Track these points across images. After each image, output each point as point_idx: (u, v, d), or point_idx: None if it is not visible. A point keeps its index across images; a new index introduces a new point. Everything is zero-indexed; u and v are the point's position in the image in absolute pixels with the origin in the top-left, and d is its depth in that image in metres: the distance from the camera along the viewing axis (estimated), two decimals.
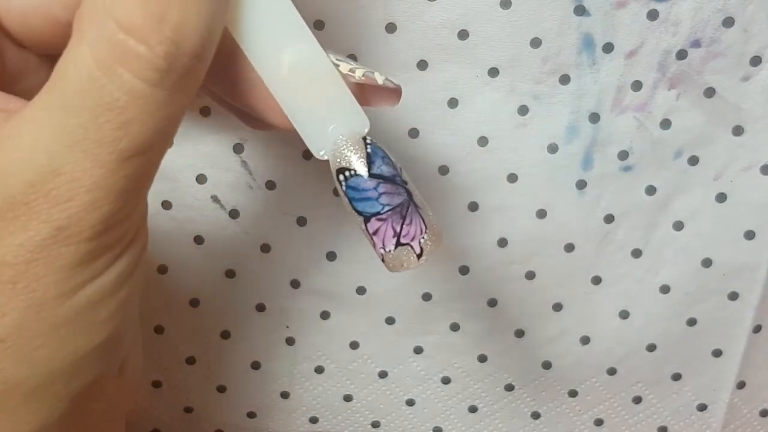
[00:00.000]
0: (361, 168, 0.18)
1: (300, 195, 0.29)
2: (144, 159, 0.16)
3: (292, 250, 0.30)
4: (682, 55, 0.27)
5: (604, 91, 0.27)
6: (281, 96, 0.18)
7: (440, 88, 0.27)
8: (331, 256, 0.30)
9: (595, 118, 0.28)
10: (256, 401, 0.33)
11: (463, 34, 0.26)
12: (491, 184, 0.29)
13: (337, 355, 0.32)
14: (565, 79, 0.27)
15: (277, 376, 0.32)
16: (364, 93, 0.19)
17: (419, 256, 0.18)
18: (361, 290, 0.31)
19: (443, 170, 0.29)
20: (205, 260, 0.30)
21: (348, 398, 0.33)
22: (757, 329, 0.31)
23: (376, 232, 0.18)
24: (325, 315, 0.31)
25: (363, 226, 0.18)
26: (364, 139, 0.18)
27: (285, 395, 0.33)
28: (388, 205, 0.18)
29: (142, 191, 0.17)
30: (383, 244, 0.18)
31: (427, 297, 0.31)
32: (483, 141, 0.28)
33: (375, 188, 0.18)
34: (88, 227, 0.15)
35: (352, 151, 0.18)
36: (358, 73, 0.18)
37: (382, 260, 0.19)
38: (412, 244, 0.18)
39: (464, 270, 0.30)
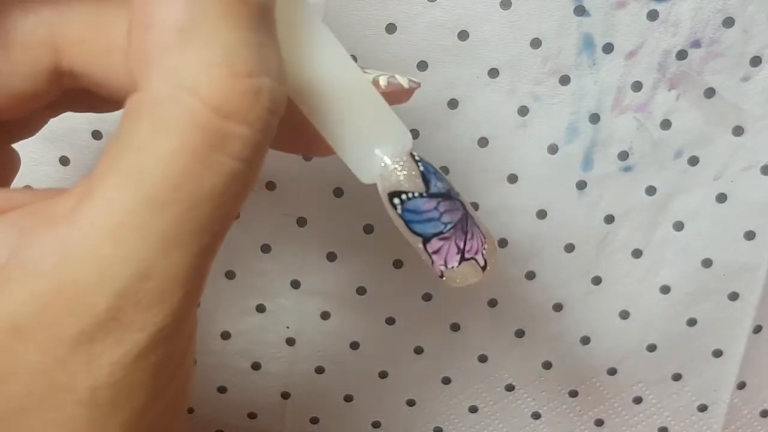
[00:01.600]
0: (420, 188, 0.17)
1: (300, 195, 0.29)
2: (227, 232, 0.14)
3: (292, 251, 0.30)
4: (682, 55, 0.27)
5: (604, 92, 0.27)
6: (321, 122, 0.16)
7: (440, 89, 0.27)
8: (332, 256, 0.30)
9: (595, 118, 0.28)
10: (256, 402, 0.33)
11: (463, 35, 0.26)
12: (491, 184, 0.29)
13: (337, 356, 0.32)
14: (565, 80, 0.27)
15: (277, 376, 0.32)
16: (384, 96, 0.17)
17: (484, 268, 0.18)
18: (361, 290, 0.31)
19: (443, 171, 0.29)
20: None
21: (348, 398, 0.33)
22: (758, 329, 0.31)
23: (437, 251, 0.17)
24: (325, 315, 0.31)
25: (420, 246, 0.17)
26: (412, 155, 0.17)
27: (285, 396, 0.33)
28: (450, 222, 0.17)
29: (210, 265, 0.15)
30: (445, 262, 0.17)
31: (427, 297, 0.31)
32: (483, 142, 0.28)
33: (436, 208, 0.17)
34: (182, 323, 0.14)
35: (405, 172, 0.17)
36: (383, 81, 0.17)
37: (441, 276, 0.18)
38: (476, 257, 0.17)
39: None
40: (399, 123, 0.17)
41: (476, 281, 0.18)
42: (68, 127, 0.28)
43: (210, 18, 0.12)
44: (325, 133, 0.16)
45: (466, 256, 0.17)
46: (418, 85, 0.18)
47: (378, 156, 0.17)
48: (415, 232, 0.17)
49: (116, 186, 0.13)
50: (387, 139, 0.17)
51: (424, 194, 0.17)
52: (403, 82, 0.17)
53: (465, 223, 0.17)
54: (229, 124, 0.12)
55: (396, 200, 0.17)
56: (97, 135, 0.28)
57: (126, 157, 0.13)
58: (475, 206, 0.29)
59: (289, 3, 0.15)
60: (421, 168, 0.17)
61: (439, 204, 0.17)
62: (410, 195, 0.17)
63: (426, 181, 0.17)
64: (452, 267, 0.17)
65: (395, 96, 0.18)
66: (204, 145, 0.13)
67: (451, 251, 0.17)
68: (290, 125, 0.16)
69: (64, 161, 0.28)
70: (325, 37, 0.16)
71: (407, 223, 0.17)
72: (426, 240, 0.17)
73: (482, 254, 0.18)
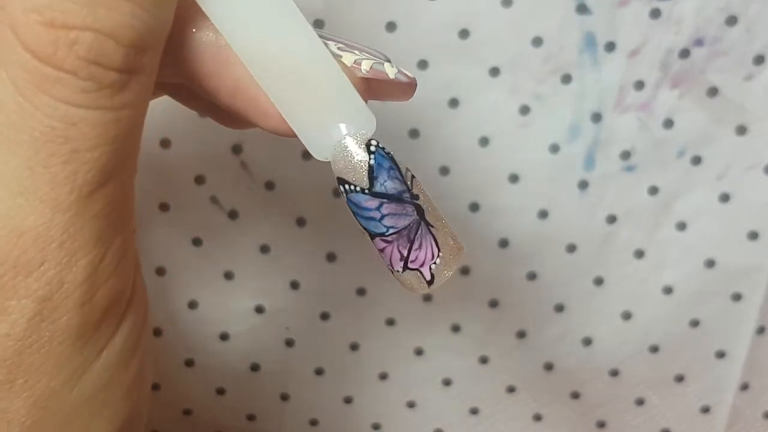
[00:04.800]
0: (363, 183, 0.15)
1: (299, 196, 0.29)
2: (110, 190, 0.13)
3: (291, 251, 0.30)
4: (684, 54, 0.27)
5: (606, 91, 0.27)
6: (275, 93, 0.15)
7: (441, 88, 0.27)
8: (331, 257, 0.30)
9: (597, 117, 0.28)
10: (255, 403, 0.33)
11: (463, 34, 0.26)
12: (492, 184, 0.29)
13: (337, 357, 0.32)
14: (566, 79, 0.27)
15: (276, 378, 0.32)
16: (372, 86, 0.16)
17: (429, 282, 0.16)
18: (361, 291, 0.30)
19: (444, 171, 0.28)
20: (204, 262, 0.30)
21: (348, 400, 0.33)
22: (761, 330, 0.31)
23: (382, 251, 0.16)
24: (324, 316, 0.31)
25: (370, 240, 0.16)
26: (368, 145, 0.16)
27: (285, 397, 0.33)
28: (392, 227, 0.16)
29: (123, 229, 0.14)
30: (391, 264, 0.16)
31: (427, 298, 0.31)
32: (484, 141, 0.28)
33: (377, 208, 0.16)
34: (74, 290, 0.13)
35: (352, 162, 0.15)
36: (365, 65, 0.16)
37: (392, 273, 0.17)
38: (421, 270, 0.16)
39: (465, 271, 0.30)
40: (361, 105, 0.16)
41: (424, 292, 0.16)
42: None
43: None
44: (276, 101, 0.15)
45: (410, 266, 0.16)
46: (410, 79, 0.17)
47: (332, 136, 0.16)
48: (361, 225, 0.16)
49: None
50: (344, 119, 0.15)
51: (366, 191, 0.16)
52: (390, 72, 0.16)
53: (413, 232, 0.16)
54: (46, 68, 0.12)
55: (342, 188, 0.16)
56: None
57: None
58: (476, 206, 0.29)
59: None
60: (372, 161, 0.15)
61: (382, 205, 0.16)
62: (352, 187, 0.16)
63: (372, 177, 0.15)
64: (398, 271, 0.16)
65: (395, 90, 0.17)
66: (28, 84, 0.12)
67: (394, 256, 0.16)
68: (231, 88, 0.15)
69: None
70: (279, 3, 0.15)
71: (353, 213, 0.16)
72: (371, 237, 0.16)
73: (429, 268, 0.16)
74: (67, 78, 0.12)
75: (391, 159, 0.16)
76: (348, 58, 0.16)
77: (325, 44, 0.15)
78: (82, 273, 0.13)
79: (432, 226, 0.16)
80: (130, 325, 0.15)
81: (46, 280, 0.13)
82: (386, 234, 0.16)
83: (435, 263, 0.16)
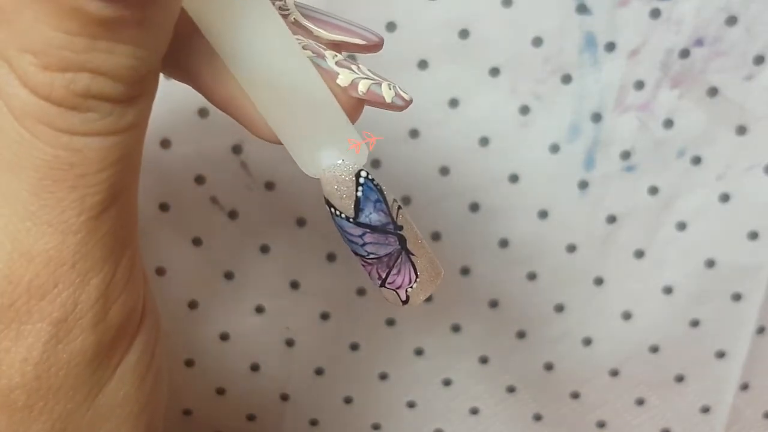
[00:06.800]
0: (348, 212, 0.16)
1: (299, 196, 0.29)
2: (117, 208, 0.13)
3: (291, 251, 0.30)
4: (684, 54, 0.27)
5: (606, 91, 0.27)
6: (268, 115, 0.15)
7: (441, 88, 0.27)
8: (331, 257, 0.30)
9: (597, 117, 0.28)
10: (255, 404, 0.33)
11: (463, 34, 0.26)
12: (492, 184, 0.29)
13: (337, 357, 0.32)
14: (566, 79, 0.27)
15: (276, 378, 0.32)
16: (368, 102, 0.16)
17: (405, 302, 0.17)
18: (361, 291, 0.30)
19: (444, 171, 0.28)
20: (204, 262, 0.30)
21: (348, 400, 0.33)
22: (761, 330, 0.31)
23: (363, 266, 0.17)
24: (324, 316, 0.31)
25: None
26: (357, 176, 0.16)
27: (285, 397, 0.32)
28: (373, 254, 0.16)
29: (130, 244, 0.14)
30: (371, 278, 0.17)
31: (427, 298, 0.31)
32: (484, 141, 0.28)
33: (360, 236, 0.16)
34: (87, 310, 0.13)
35: (340, 191, 0.16)
36: (362, 87, 0.15)
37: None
38: (398, 291, 0.17)
39: (465, 271, 0.30)
40: (354, 137, 0.16)
41: (400, 308, 0.17)
42: None
43: (33, 9, 0.12)
44: (268, 119, 0.15)
45: (388, 286, 0.17)
46: (406, 102, 0.16)
47: (322, 159, 0.16)
48: (345, 240, 0.16)
49: None
50: (334, 148, 0.16)
51: (351, 220, 0.16)
52: (387, 95, 0.16)
53: (393, 259, 0.16)
54: (42, 103, 0.12)
55: (329, 208, 0.16)
56: None
57: None
58: (476, 206, 0.29)
59: None
60: (359, 193, 0.16)
61: (365, 234, 0.16)
62: (339, 212, 0.16)
63: (358, 209, 0.16)
64: (378, 285, 0.17)
65: (386, 104, 0.16)
66: (27, 116, 0.12)
67: (373, 274, 0.17)
68: (225, 99, 0.15)
69: None
70: (273, 23, 0.15)
71: (339, 230, 0.16)
72: (353, 252, 0.17)
73: (405, 291, 0.17)
74: (64, 113, 0.12)
75: (379, 191, 0.16)
76: (345, 77, 0.15)
77: (323, 60, 0.15)
78: (95, 292, 0.13)
79: (413, 254, 0.17)
80: (144, 341, 0.15)
81: (60, 302, 0.13)
82: (366, 257, 0.16)
83: (411, 287, 0.17)
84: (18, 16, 0.12)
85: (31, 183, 0.12)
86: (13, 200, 0.13)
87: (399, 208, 0.16)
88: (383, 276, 0.17)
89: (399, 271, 0.17)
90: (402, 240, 0.16)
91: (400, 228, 0.16)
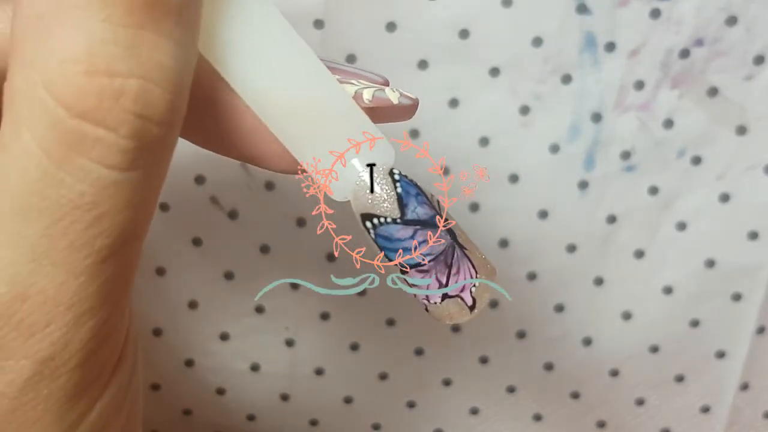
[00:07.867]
0: (393, 213, 0.15)
1: (299, 196, 0.29)
2: (126, 253, 0.13)
3: (291, 251, 0.30)
4: (684, 54, 0.27)
5: (606, 91, 0.27)
6: (287, 136, 0.15)
7: (441, 88, 0.27)
8: (331, 257, 0.30)
9: (597, 117, 0.28)
10: (255, 404, 0.33)
11: (463, 34, 0.26)
12: (492, 184, 0.29)
13: (337, 357, 0.32)
14: (566, 79, 0.27)
15: (276, 378, 0.32)
16: (376, 113, 0.15)
17: (472, 307, 0.15)
18: (361, 291, 0.30)
19: (444, 171, 0.28)
20: (204, 262, 0.30)
21: (348, 400, 0.33)
22: (761, 330, 0.31)
23: (416, 286, 0.15)
24: (324, 316, 0.31)
25: (401, 275, 0.16)
26: (392, 173, 0.15)
27: (285, 397, 0.32)
28: (429, 255, 0.15)
29: (128, 290, 0.14)
30: (427, 297, 0.15)
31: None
32: (484, 141, 0.28)
33: (412, 237, 0.15)
34: (78, 350, 0.13)
35: (378, 194, 0.15)
36: (367, 95, 0.15)
37: (426, 310, 0.16)
38: (462, 295, 0.15)
39: None
40: (378, 134, 0.15)
41: (465, 320, 0.16)
42: None
43: (76, 6, 0.11)
44: (290, 145, 0.15)
45: (450, 293, 0.15)
46: (413, 100, 0.16)
47: (351, 172, 0.15)
48: (391, 260, 0.15)
49: None
50: (362, 153, 0.15)
51: (398, 220, 0.15)
52: (392, 97, 0.15)
53: (450, 256, 0.15)
54: (84, 126, 0.11)
55: (368, 223, 0.15)
56: None
57: None
58: (476, 207, 0.29)
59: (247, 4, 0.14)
60: (399, 189, 0.15)
61: (417, 233, 0.15)
62: (383, 220, 0.15)
63: (403, 205, 0.15)
64: (435, 303, 0.15)
65: (394, 113, 0.16)
66: (60, 146, 0.11)
67: (432, 286, 0.15)
68: (238, 135, 0.15)
69: None
70: (288, 38, 0.14)
71: (382, 249, 0.15)
72: (403, 271, 0.15)
73: (470, 292, 0.15)
74: (106, 136, 0.11)
75: (416, 185, 0.15)
76: (348, 90, 0.15)
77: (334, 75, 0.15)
78: (88, 334, 0.13)
79: (465, 249, 0.15)
80: (124, 371, 0.14)
81: (50, 342, 0.12)
82: (422, 264, 0.15)
83: (475, 286, 0.15)
84: (60, 17, 0.11)
85: (46, 225, 0.12)
86: (21, 244, 0.12)
87: (439, 201, 0.16)
88: (445, 280, 0.15)
89: (458, 269, 0.15)
90: (452, 234, 0.15)
91: (447, 220, 0.15)
